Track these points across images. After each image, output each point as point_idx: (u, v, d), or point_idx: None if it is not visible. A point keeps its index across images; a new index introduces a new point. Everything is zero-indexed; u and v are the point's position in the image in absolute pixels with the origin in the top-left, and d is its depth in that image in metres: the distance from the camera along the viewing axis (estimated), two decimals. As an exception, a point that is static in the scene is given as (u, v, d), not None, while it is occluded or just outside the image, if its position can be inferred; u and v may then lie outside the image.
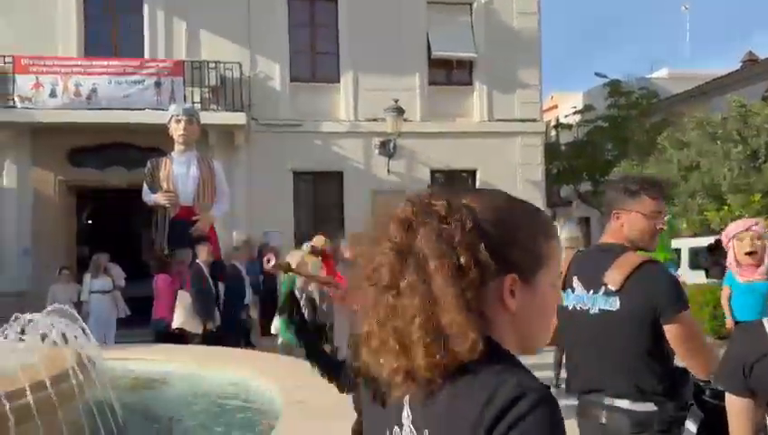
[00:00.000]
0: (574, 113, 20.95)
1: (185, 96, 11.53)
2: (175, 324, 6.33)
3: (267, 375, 4.51)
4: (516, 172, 14.01)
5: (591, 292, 2.06)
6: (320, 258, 4.81)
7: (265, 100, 12.76)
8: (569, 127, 20.92)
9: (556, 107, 26.49)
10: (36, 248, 11.79)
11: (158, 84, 11.67)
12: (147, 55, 12.36)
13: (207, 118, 10.42)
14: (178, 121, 8.35)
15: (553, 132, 23.36)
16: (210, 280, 6.64)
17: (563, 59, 59.66)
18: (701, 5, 73.90)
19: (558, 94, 28.25)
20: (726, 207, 9.83)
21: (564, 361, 2.36)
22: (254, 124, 12.60)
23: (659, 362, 1.98)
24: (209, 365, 5.11)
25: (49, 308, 3.81)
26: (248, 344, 6.92)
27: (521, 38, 14.03)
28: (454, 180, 14.09)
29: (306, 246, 3.39)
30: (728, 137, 10.14)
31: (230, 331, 6.96)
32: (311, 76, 13.42)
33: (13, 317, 3.59)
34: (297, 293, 5.82)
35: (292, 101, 13.05)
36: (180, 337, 6.50)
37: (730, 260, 4.25)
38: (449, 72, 14.10)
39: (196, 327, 6.29)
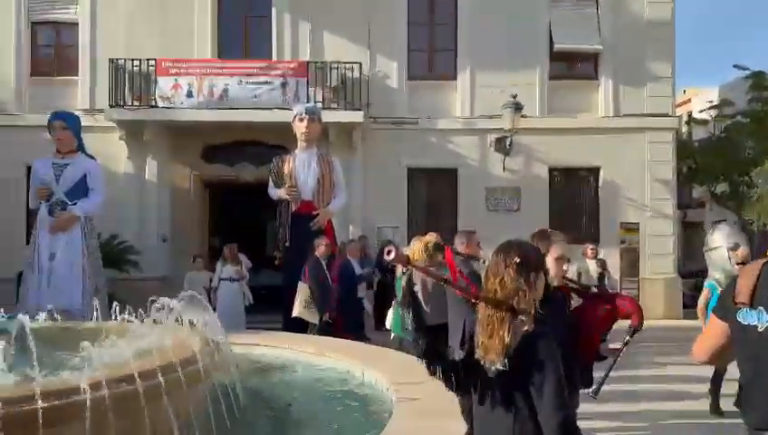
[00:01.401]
0: (710, 108, 19.28)
1: (308, 95, 12.00)
2: (293, 314, 6.63)
3: (380, 370, 4.56)
4: (644, 171, 13.20)
5: None
6: (442, 255, 4.73)
7: (383, 98, 12.97)
8: (704, 123, 19.30)
9: (689, 101, 24.61)
10: (174, 237, 12.84)
11: (284, 85, 12.25)
12: (274, 56, 12.99)
13: (328, 116, 10.73)
14: (301, 120, 8.68)
15: (685, 128, 21.68)
16: (327, 273, 6.88)
17: (695, 50, 55.23)
18: None
19: (690, 88, 26.24)
20: None
21: (742, 390, 2.03)
22: (371, 122, 12.85)
23: None
24: (325, 355, 5.26)
25: (182, 294, 4.09)
26: (362, 338, 7.08)
27: (652, 28, 13.15)
28: (574, 178, 13.52)
29: (427, 239, 3.35)
30: None
31: (345, 323, 7.17)
32: (428, 73, 13.46)
33: (149, 301, 3.90)
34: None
35: (409, 99, 13.16)
36: (302, 326, 6.79)
37: None
38: (572, 66, 13.57)
39: (313, 318, 6.54)
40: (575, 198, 13.55)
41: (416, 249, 5.87)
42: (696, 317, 13.11)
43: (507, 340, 2.12)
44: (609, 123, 13.18)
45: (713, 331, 2.08)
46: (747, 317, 1.88)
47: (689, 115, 22.08)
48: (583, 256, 10.11)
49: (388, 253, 2.35)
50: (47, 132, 6.35)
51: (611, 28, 13.19)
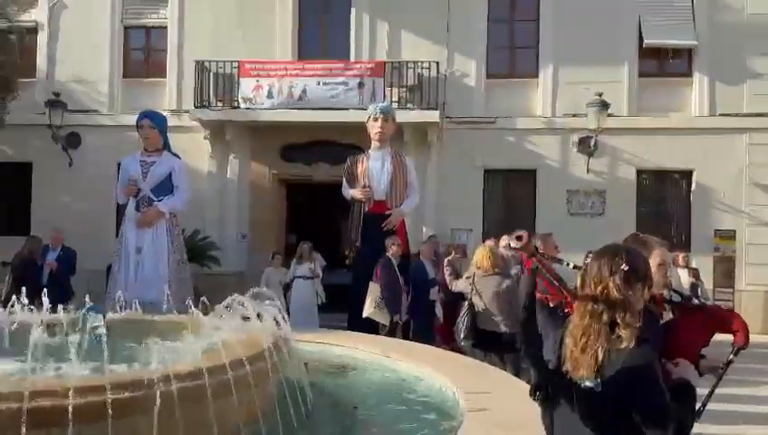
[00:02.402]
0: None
1: (384, 95, 11.96)
2: (364, 314, 6.56)
3: (450, 375, 4.40)
4: (742, 174, 12.26)
5: None
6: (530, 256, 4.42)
7: (460, 97, 12.74)
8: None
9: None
10: (252, 234, 13.17)
11: (360, 85, 12.27)
12: (352, 56, 13.04)
13: (403, 116, 10.65)
14: (375, 120, 8.61)
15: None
16: (399, 274, 6.77)
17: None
18: None
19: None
20: None
21: None
22: (446, 122, 12.64)
23: None
24: (395, 357, 5.16)
25: (253, 291, 4.09)
26: (431, 341, 6.92)
27: (753, 22, 12.18)
28: (664, 182, 12.75)
29: (509, 240, 3.09)
30: None
31: (416, 326, 7.04)
32: (508, 72, 13.09)
33: (228, 299, 3.91)
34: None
35: (487, 98, 12.85)
36: (372, 327, 6.72)
37: None
38: (663, 63, 12.78)
39: (384, 318, 6.45)
40: (665, 203, 12.77)
41: (481, 258, 5.68)
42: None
43: (601, 356, 1.90)
44: (703, 123, 12.32)
45: None
46: None
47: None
48: (674, 265, 9.50)
49: (518, 238, 2.16)
50: (136, 131, 6.59)
51: (707, 22, 12.33)
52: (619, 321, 1.90)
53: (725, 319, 2.73)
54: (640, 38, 12.45)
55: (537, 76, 12.82)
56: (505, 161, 12.69)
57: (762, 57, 12.21)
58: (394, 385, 4.69)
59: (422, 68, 12.26)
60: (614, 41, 12.44)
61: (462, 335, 5.57)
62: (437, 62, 12.35)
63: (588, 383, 1.92)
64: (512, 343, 5.34)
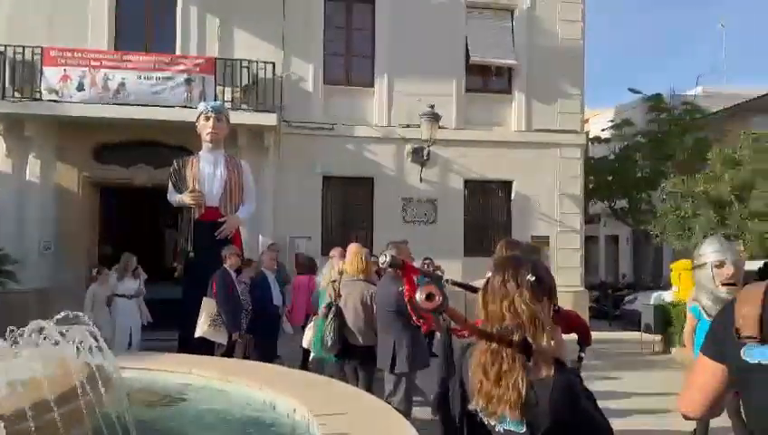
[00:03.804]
0: (611, 127, 20.24)
1: (216, 94, 11.20)
2: (197, 333, 5.87)
3: (300, 397, 4.00)
4: (554, 185, 13.43)
5: None
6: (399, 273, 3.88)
7: (298, 101, 12.39)
8: (606, 141, 20.22)
9: (587, 121, 25.84)
10: (58, 246, 11.50)
11: (188, 81, 11.36)
12: (178, 51, 12.06)
13: (237, 118, 10.07)
14: (207, 119, 7.99)
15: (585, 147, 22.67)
16: (237, 287, 6.19)
17: (593, 73, 59.23)
18: (737, 24, 72.45)
19: (589, 110, 27.54)
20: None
21: None
22: (284, 126, 12.22)
23: None
24: (234, 381, 4.62)
25: (61, 314, 3.35)
26: (275, 359, 6.44)
27: (564, 47, 13.48)
28: (488, 192, 13.55)
29: (384, 258, 2.72)
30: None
31: (261, 343, 6.52)
32: (345, 79, 13.02)
33: (26, 327, 3.14)
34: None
35: (326, 104, 12.65)
36: (206, 346, 6.04)
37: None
38: (487, 79, 13.60)
39: (221, 337, 5.83)
40: (489, 211, 13.57)
41: (350, 261, 5.36)
42: (602, 329, 13.62)
43: (524, 390, 1.60)
44: (521, 137, 13.32)
45: (707, 377, 1.63)
46: (757, 354, 1.49)
47: (587, 135, 23.10)
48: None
49: (429, 297, 1.72)
50: None
51: (525, 44, 13.39)
52: (531, 341, 1.64)
53: (574, 320, 2.75)
54: (467, 55, 13.12)
55: (373, 86, 12.92)
56: (344, 168, 12.58)
57: (571, 79, 13.54)
58: (236, 413, 4.18)
59: (257, 68, 11.70)
60: (444, 56, 12.97)
61: (329, 344, 5.16)
62: (273, 64, 11.87)
63: (508, 427, 1.65)
64: (368, 354, 5.08)
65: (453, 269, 10.76)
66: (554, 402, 1.58)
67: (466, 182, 13.24)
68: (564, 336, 2.70)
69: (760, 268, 9.30)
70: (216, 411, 4.28)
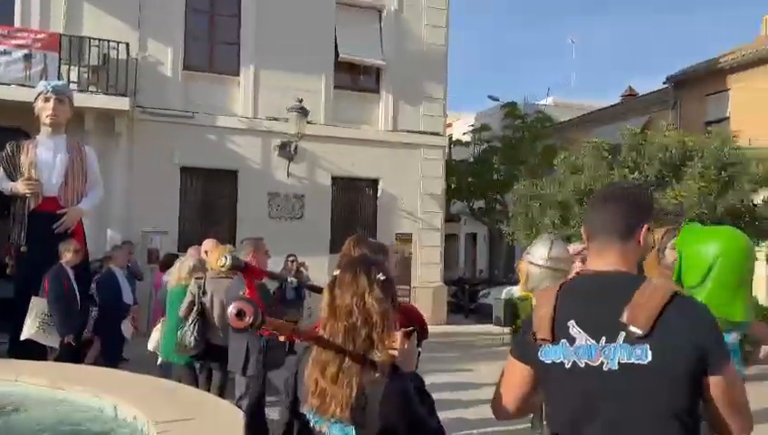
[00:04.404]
0: (471, 132, 21.32)
1: (59, 73, 10.19)
2: (24, 335, 5.25)
3: (142, 404, 3.70)
4: (418, 185, 13.82)
5: (604, 340, 1.49)
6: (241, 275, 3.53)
7: (154, 86, 11.62)
8: (466, 144, 21.27)
9: (450, 125, 27.03)
10: None
11: (28, 57, 10.25)
12: (17, 24, 10.81)
13: (85, 100, 9.29)
14: (47, 100, 7.14)
15: (447, 149, 23.70)
16: (75, 285, 5.62)
17: (457, 79, 62.36)
18: (588, 40, 79.80)
19: (452, 113, 28.83)
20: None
21: None
22: (138, 111, 11.41)
23: (695, 430, 1.50)
24: (67, 387, 4.18)
25: None
26: (119, 364, 5.95)
27: (429, 51, 13.91)
28: (355, 189, 13.64)
29: (225, 260, 2.48)
30: (623, 163, 10.51)
31: (104, 346, 5.98)
32: (207, 66, 12.44)
33: None
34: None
35: (185, 91, 11.99)
36: (39, 350, 5.42)
37: None
38: (356, 78, 13.68)
39: (52, 340, 5.25)
40: (356, 208, 13.67)
41: (216, 258, 5.04)
42: (459, 322, 14.27)
43: (355, 390, 1.58)
44: (388, 137, 13.57)
45: (515, 378, 1.68)
46: (550, 354, 1.56)
47: (450, 138, 24.19)
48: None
49: (240, 315, 1.58)
50: None
51: (393, 45, 13.64)
52: (375, 338, 1.63)
53: (413, 315, 2.82)
54: (336, 52, 13.10)
55: (239, 74, 12.47)
56: (206, 160, 12.01)
57: (435, 82, 14.01)
58: (69, 422, 3.77)
59: (109, 48, 10.80)
60: (313, 51, 12.84)
61: (191, 344, 4.82)
62: (127, 44, 11.02)
63: (337, 432, 1.61)
64: (221, 354, 4.83)
65: (319, 266, 10.71)
66: (385, 405, 1.57)
67: (334, 179, 13.22)
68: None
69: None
70: (46, 422, 3.85)
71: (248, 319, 1.58)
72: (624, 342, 1.47)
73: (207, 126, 12.00)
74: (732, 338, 3.36)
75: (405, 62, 13.62)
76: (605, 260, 1.62)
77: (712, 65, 17.49)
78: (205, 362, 5.14)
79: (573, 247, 4.72)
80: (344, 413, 1.58)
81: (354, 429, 1.59)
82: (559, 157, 12.32)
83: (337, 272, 1.79)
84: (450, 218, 22.94)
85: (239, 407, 4.04)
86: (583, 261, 4.59)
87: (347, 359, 1.63)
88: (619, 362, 1.47)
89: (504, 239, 16.96)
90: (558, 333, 1.55)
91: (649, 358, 1.44)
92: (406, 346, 1.72)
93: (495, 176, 18.85)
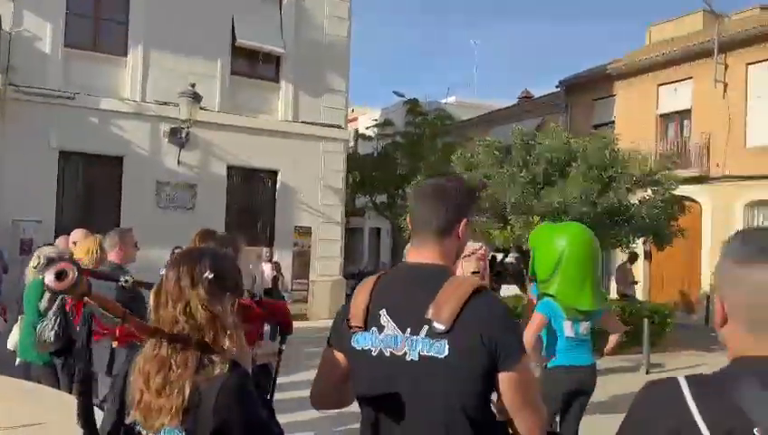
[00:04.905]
0: (375, 126, 21.42)
1: None
2: None
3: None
4: (318, 178, 13.66)
5: (409, 331, 1.51)
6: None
7: (30, 63, 10.70)
8: (369, 139, 21.35)
9: (356, 119, 27.08)
10: None
11: None
12: None
13: (-57, 72, 8.29)
14: None
15: (352, 143, 23.73)
16: None
17: (362, 74, 62.92)
18: (489, 42, 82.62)
19: (357, 107, 28.94)
20: (509, 227, 10.51)
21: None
22: (11, 90, 10.45)
23: (487, 423, 1.52)
24: None
25: None
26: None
27: (331, 42, 13.76)
28: (253, 179, 13.26)
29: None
30: (514, 162, 10.91)
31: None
32: (91, 44, 11.60)
33: None
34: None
35: (65, 70, 11.13)
36: None
37: None
38: (254, 65, 13.26)
39: None
40: (253, 200, 13.29)
41: (86, 250, 4.63)
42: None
43: (188, 392, 1.45)
44: (288, 128, 13.28)
45: (330, 367, 1.68)
46: (361, 341, 1.57)
47: (356, 132, 24.21)
48: (258, 259, 9.85)
49: (60, 276, 1.43)
50: None
51: (294, 34, 13.35)
52: (211, 344, 1.50)
53: (277, 310, 2.75)
54: (234, 36, 12.64)
55: (126, 55, 11.73)
56: (87, 144, 11.20)
57: (337, 75, 13.87)
58: None
59: (-24, 18, 9.80)
60: (209, 34, 12.32)
61: (51, 339, 4.38)
62: (0, 16, 10.06)
63: None
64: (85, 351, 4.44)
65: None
66: (220, 403, 1.45)
67: (230, 168, 12.77)
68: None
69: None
70: None
71: (71, 277, 1.43)
72: (426, 335, 1.49)
73: (90, 108, 11.19)
74: (582, 329, 3.56)
75: (306, 51, 13.38)
76: (423, 255, 1.63)
77: (600, 71, 18.59)
78: (66, 361, 4.74)
79: (470, 247, 4.77)
80: (174, 421, 1.46)
81: (184, 433, 1.47)
82: (456, 154, 12.60)
83: (162, 272, 1.63)
84: (355, 212, 22.99)
85: (101, 409, 3.75)
86: (480, 259, 4.66)
87: (175, 368, 1.49)
88: (419, 354, 1.49)
89: (404, 233, 17.21)
90: (370, 321, 1.57)
91: (446, 352, 1.47)
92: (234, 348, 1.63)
93: (398, 171, 19.05)
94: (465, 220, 1.63)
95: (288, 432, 4.29)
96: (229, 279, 1.61)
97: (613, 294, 12.88)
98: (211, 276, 1.54)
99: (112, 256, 4.28)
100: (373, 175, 19.50)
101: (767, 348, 1.05)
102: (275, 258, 11.73)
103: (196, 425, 1.45)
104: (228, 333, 1.54)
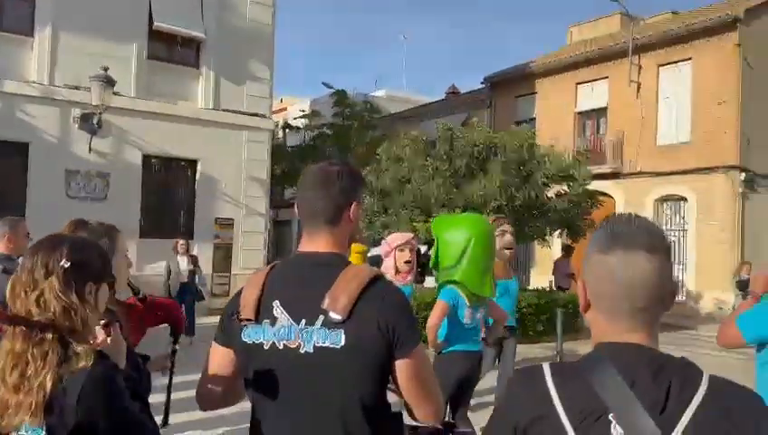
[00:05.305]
0: (302, 117, 21.17)
1: None
2: None
3: None
4: (241, 168, 13.33)
5: (304, 322, 1.46)
6: None
7: None
8: (297, 129, 21.07)
9: (285, 109, 26.67)
10: None
11: None
12: None
13: None
14: None
15: (281, 134, 23.35)
16: None
17: (293, 65, 62.05)
18: (418, 37, 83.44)
19: (287, 97, 28.50)
20: (432, 219, 10.65)
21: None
22: None
23: (382, 412, 1.50)
24: None
25: None
26: None
27: (254, 29, 13.42)
28: (171, 169, 12.78)
29: None
30: (437, 156, 11.04)
31: None
32: (-6, 22, 10.82)
33: None
34: None
35: (-37, 49, 10.32)
36: None
37: (389, 267, 4.32)
38: (173, 49, 12.77)
39: None
40: (171, 190, 12.82)
41: None
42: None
43: (50, 387, 1.36)
44: (209, 116, 12.88)
45: (216, 364, 1.58)
46: (252, 335, 1.50)
47: (285, 122, 23.85)
48: (174, 252, 9.49)
49: None
50: None
51: (215, 19, 12.94)
52: (68, 336, 1.41)
53: (164, 309, 2.61)
54: (151, 19, 12.10)
55: (32, 36, 11.01)
56: (-14, 130, 10.46)
57: (259, 62, 13.55)
58: None
59: None
60: (123, 15, 11.74)
61: None
62: None
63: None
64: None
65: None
66: (84, 397, 1.37)
67: (146, 157, 12.26)
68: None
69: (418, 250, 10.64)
70: None
71: None
72: (322, 326, 1.45)
73: (-9, 91, 10.45)
74: (479, 315, 3.64)
75: (228, 38, 12.99)
76: (316, 244, 1.58)
77: (523, 69, 19.11)
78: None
79: (400, 236, 4.70)
80: (35, 419, 1.36)
81: (46, 430, 1.38)
82: (382, 147, 12.61)
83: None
84: (283, 204, 22.65)
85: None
86: (412, 250, 4.59)
87: (33, 362, 1.39)
88: (314, 346, 1.45)
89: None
90: (263, 313, 1.50)
91: (343, 342, 1.43)
92: (109, 341, 1.53)
93: (328, 162, 18.91)
94: (354, 203, 1.59)
95: (178, 432, 4.11)
96: (90, 268, 1.52)
97: (534, 285, 13.29)
98: (67, 265, 1.47)
99: (3, 245, 3.99)
100: (301, 166, 19.25)
101: (621, 333, 1.08)
102: (194, 251, 11.35)
103: (58, 421, 1.37)
104: (89, 324, 1.47)
